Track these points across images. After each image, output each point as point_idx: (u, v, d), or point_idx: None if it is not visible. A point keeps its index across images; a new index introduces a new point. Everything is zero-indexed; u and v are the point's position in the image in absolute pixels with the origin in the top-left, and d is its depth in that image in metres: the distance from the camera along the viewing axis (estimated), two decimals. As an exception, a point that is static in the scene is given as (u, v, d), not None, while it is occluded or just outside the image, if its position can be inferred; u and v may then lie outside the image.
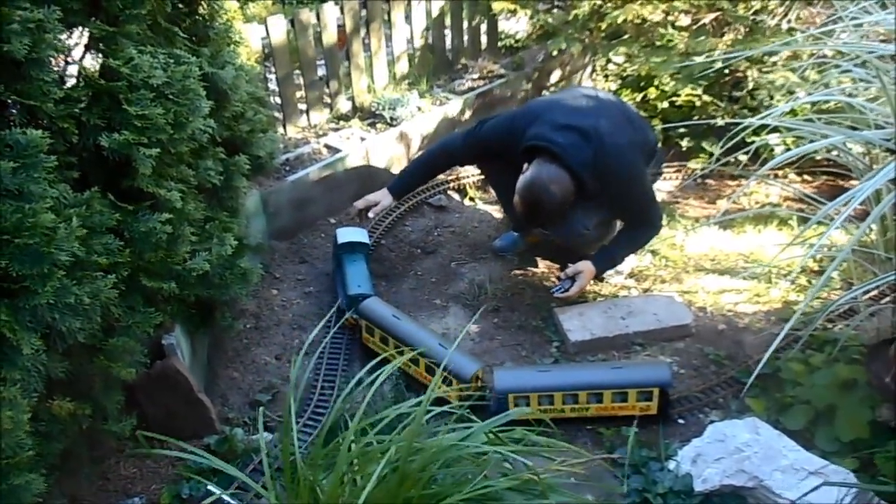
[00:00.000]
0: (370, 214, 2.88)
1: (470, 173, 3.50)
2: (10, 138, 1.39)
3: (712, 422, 2.13)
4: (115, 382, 1.79)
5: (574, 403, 2.21)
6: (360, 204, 2.87)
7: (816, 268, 2.79)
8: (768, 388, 2.27)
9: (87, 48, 1.69)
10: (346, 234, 2.85)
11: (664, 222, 3.19)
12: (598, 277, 2.82)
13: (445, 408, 1.59)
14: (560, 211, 2.52)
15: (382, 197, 2.88)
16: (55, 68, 1.56)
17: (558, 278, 2.73)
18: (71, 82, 1.66)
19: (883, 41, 2.16)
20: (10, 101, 1.48)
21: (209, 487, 1.96)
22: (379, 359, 1.79)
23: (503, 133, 2.71)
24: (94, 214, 1.60)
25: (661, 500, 1.91)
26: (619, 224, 2.81)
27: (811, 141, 2.13)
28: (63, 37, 1.55)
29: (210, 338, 2.45)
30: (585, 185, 2.49)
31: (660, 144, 3.73)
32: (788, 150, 2.63)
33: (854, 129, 2.17)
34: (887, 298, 2.30)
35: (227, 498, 1.90)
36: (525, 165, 2.54)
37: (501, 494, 1.36)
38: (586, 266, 2.66)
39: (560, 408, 2.20)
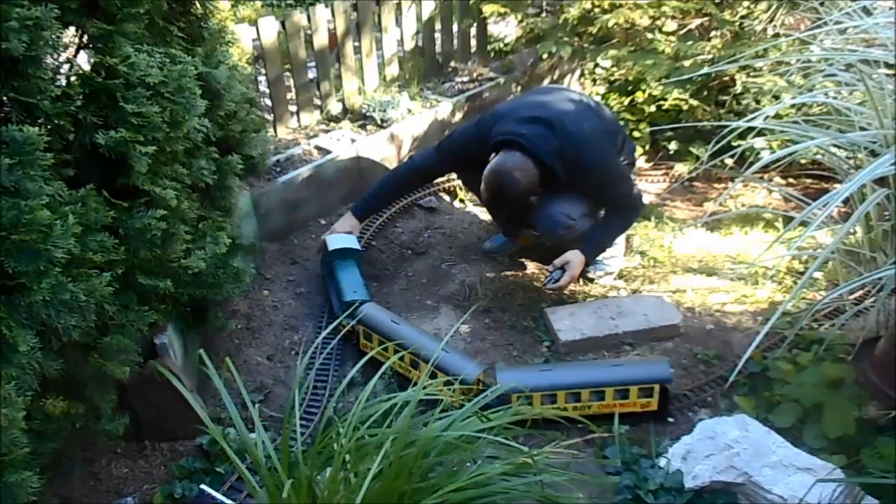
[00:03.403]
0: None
1: (460, 175, 3.53)
2: (7, 135, 1.39)
3: (702, 420, 2.16)
4: (109, 381, 1.78)
5: (576, 402, 2.23)
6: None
7: (803, 269, 2.84)
8: (757, 387, 2.30)
9: (84, 46, 1.69)
10: (337, 241, 2.83)
11: (652, 223, 3.24)
12: (586, 273, 2.88)
13: (430, 396, 1.60)
14: (523, 197, 2.61)
15: (347, 225, 2.93)
16: (52, 66, 1.56)
17: (549, 271, 2.77)
18: (66, 80, 1.66)
19: (867, 46, 2.20)
20: (6, 98, 1.48)
21: (202, 487, 1.96)
22: (367, 357, 1.79)
23: (471, 136, 2.80)
24: (90, 212, 1.60)
25: (653, 497, 1.93)
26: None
27: (797, 143, 2.17)
28: (60, 35, 1.55)
29: (202, 338, 2.44)
30: (556, 173, 2.58)
31: (642, 150, 3.78)
32: (774, 153, 2.67)
33: (841, 132, 2.21)
34: (872, 299, 2.34)
35: (220, 497, 1.92)
36: (492, 156, 2.62)
37: (496, 480, 1.37)
38: (574, 255, 2.71)
39: (563, 406, 2.22)
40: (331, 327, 2.57)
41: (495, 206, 2.76)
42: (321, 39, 3.42)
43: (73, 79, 1.66)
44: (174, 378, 1.58)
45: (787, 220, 2.96)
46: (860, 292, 2.41)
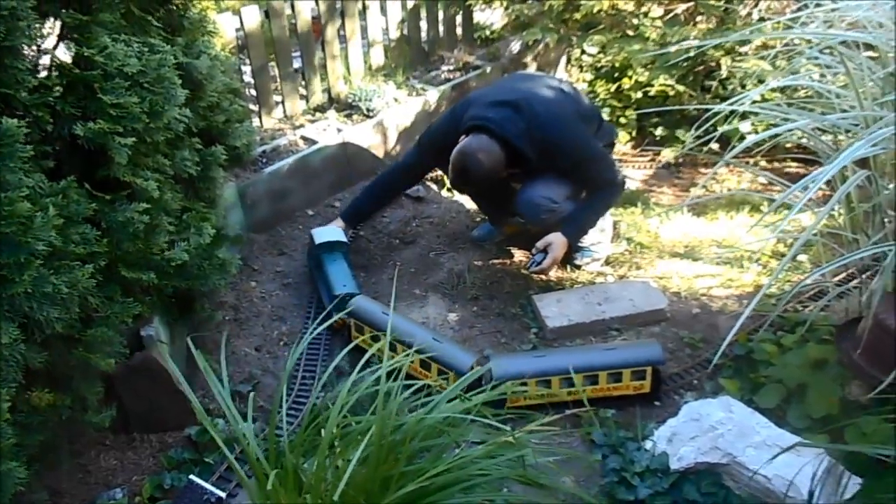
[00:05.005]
0: None
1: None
2: (-15, 127, 1.38)
3: (687, 402, 2.18)
4: (95, 373, 1.78)
5: (570, 386, 2.24)
6: None
7: (787, 252, 2.85)
8: (742, 369, 2.32)
9: (61, 37, 1.67)
10: (323, 234, 2.83)
11: (639, 209, 3.25)
12: (573, 259, 2.88)
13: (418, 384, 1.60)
14: (487, 178, 2.64)
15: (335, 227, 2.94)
16: (30, 57, 1.55)
17: (531, 254, 2.77)
18: (45, 72, 1.65)
19: (849, 29, 2.20)
20: (-17, 89, 1.47)
21: (191, 477, 1.97)
22: (353, 344, 1.79)
23: (446, 125, 2.84)
24: (71, 204, 1.59)
25: (639, 479, 1.95)
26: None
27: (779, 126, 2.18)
28: (37, 25, 1.53)
29: (189, 329, 2.44)
30: (525, 155, 2.61)
31: (629, 136, 3.78)
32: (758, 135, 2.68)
33: (823, 115, 2.22)
34: (855, 280, 2.36)
35: (209, 487, 1.92)
36: (462, 137, 2.65)
37: (479, 461, 1.38)
38: (556, 237, 2.72)
39: (557, 391, 2.23)
40: (320, 321, 2.56)
41: (460, 185, 2.83)
42: (305, 27, 3.41)
43: (51, 70, 1.65)
44: (167, 365, 1.58)
45: (773, 203, 2.98)
46: (843, 274, 2.42)
